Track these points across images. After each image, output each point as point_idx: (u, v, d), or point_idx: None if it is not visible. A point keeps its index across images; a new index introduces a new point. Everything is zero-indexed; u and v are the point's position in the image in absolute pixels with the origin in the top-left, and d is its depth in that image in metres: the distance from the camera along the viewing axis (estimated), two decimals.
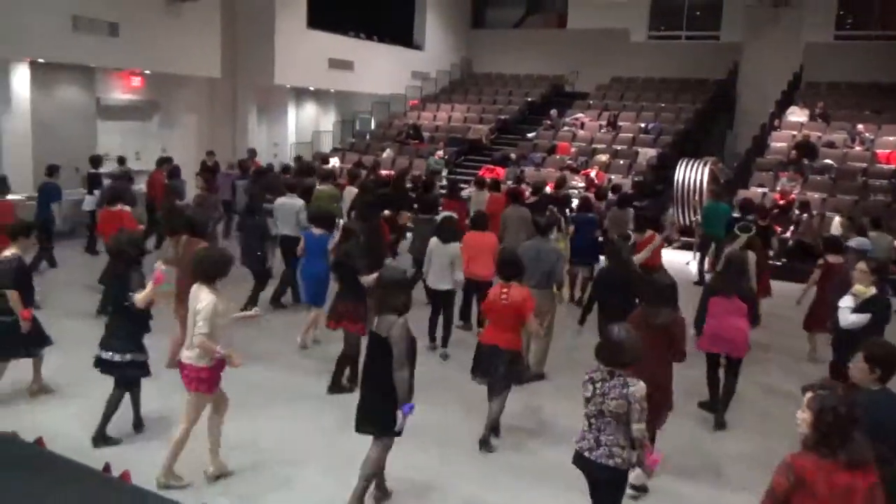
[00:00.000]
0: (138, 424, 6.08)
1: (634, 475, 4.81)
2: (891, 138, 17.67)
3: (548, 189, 14.34)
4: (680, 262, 13.44)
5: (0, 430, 5.43)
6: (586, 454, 4.17)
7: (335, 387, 7.10)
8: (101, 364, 5.80)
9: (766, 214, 11.50)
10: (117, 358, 5.70)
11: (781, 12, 20.98)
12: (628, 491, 4.83)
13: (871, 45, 21.33)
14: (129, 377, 5.84)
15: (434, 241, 8.16)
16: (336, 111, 24.27)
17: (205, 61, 17.44)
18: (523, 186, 13.69)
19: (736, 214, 11.96)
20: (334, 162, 18.28)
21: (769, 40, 21.28)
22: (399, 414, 4.65)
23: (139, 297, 5.61)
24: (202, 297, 5.01)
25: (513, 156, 18.98)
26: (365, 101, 23.94)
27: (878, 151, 17.12)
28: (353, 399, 5.01)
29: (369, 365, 4.83)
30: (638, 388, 4.06)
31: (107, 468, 5.07)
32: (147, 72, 16.88)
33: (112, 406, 5.81)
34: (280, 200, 9.94)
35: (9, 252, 6.41)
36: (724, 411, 6.83)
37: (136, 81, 17.38)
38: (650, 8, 24.16)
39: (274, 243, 9.97)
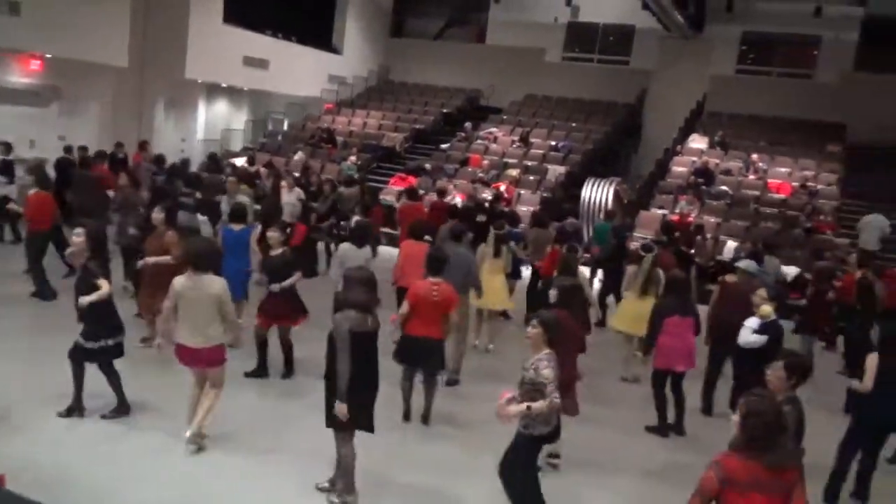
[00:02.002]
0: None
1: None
2: (782, 169, 18.72)
3: (458, 199, 14.51)
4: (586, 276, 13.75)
5: None
6: (557, 424, 4.88)
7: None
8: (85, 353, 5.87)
9: (691, 240, 11.97)
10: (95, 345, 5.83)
11: (690, 44, 21.97)
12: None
13: (770, 80, 22.58)
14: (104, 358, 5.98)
15: (347, 245, 8.14)
16: (248, 110, 23.79)
17: (112, 49, 16.79)
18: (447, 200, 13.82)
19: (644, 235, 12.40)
20: (242, 162, 17.88)
21: (676, 70, 22.26)
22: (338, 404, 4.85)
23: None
24: (213, 283, 5.40)
25: (427, 166, 19.06)
26: (279, 102, 23.58)
27: (770, 181, 18.10)
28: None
29: (372, 363, 5.02)
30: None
31: None
32: (48, 56, 16.10)
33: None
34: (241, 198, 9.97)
35: None
36: (682, 422, 7.23)
37: (36, 65, 16.53)
38: (566, 30, 24.81)
39: None
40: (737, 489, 3.24)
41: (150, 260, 7.46)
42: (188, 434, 5.54)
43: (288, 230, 8.35)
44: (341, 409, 4.80)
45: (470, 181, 17.78)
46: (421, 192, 15.11)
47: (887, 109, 19.87)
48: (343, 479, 5.05)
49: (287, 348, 7.48)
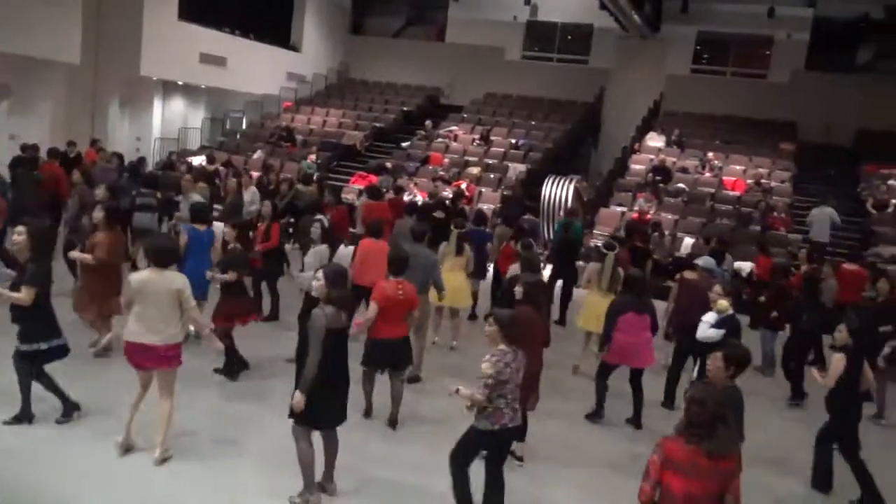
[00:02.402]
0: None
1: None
2: (737, 167, 19.09)
3: (419, 197, 14.53)
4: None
5: None
6: (510, 425, 4.77)
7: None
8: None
9: (647, 238, 12.10)
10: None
11: (646, 44, 22.27)
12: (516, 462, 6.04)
13: (724, 80, 23.03)
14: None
15: (325, 248, 8.12)
16: (206, 108, 23.48)
17: (63, 45, 16.43)
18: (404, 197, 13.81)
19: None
20: (201, 160, 17.62)
21: (634, 69, 22.56)
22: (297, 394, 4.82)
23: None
24: (175, 278, 5.35)
25: (389, 165, 19.02)
26: (237, 100, 23.31)
27: (725, 178, 18.45)
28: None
29: (342, 360, 5.01)
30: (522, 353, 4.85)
31: None
32: None
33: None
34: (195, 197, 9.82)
35: None
36: (640, 416, 7.33)
37: None
38: (525, 29, 24.96)
39: None
40: (676, 471, 3.40)
41: (74, 255, 7.37)
42: (156, 456, 5.41)
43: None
44: (298, 400, 4.77)
45: (431, 179, 17.79)
46: (383, 190, 15.07)
47: (836, 108, 20.41)
48: (304, 476, 5.02)
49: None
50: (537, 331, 5.97)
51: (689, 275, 8.87)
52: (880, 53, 22.17)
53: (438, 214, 12.12)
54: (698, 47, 23.31)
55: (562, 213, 15.72)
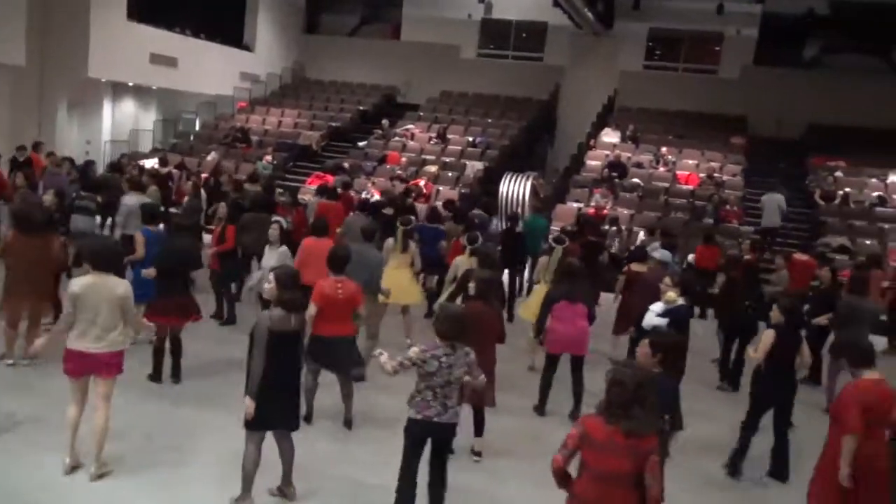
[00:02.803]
0: None
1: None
2: (690, 161, 19.41)
3: (375, 196, 14.47)
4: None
5: None
6: (436, 419, 4.72)
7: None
8: None
9: (599, 231, 12.21)
10: None
11: (600, 41, 22.50)
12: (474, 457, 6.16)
13: (676, 76, 23.37)
14: None
15: (285, 249, 8.09)
16: (158, 110, 23.05)
17: (7, 47, 16.02)
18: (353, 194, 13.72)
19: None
20: (153, 163, 17.30)
21: (588, 66, 22.78)
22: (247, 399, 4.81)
23: None
24: (118, 285, 5.18)
25: (346, 165, 18.90)
26: (190, 101, 22.94)
27: (678, 173, 18.74)
28: None
29: (290, 363, 4.96)
30: (472, 353, 4.83)
31: None
32: None
33: None
34: (132, 199, 9.47)
35: None
36: (580, 406, 7.30)
37: None
38: (480, 27, 25.02)
39: None
40: (593, 448, 3.54)
41: None
42: (93, 471, 5.23)
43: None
44: (248, 405, 4.74)
45: (388, 178, 17.74)
46: (340, 190, 14.98)
47: (785, 102, 20.87)
48: (243, 481, 4.93)
49: (176, 348, 7.25)
50: (489, 326, 5.98)
51: (636, 267, 9.03)
52: (827, 48, 22.73)
53: (387, 211, 12.10)
54: (650, 44, 23.63)
55: (520, 209, 15.87)
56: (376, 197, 14.41)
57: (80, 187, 10.98)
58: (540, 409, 7.45)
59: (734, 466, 6.41)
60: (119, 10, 18.83)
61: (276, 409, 4.84)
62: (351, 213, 11.15)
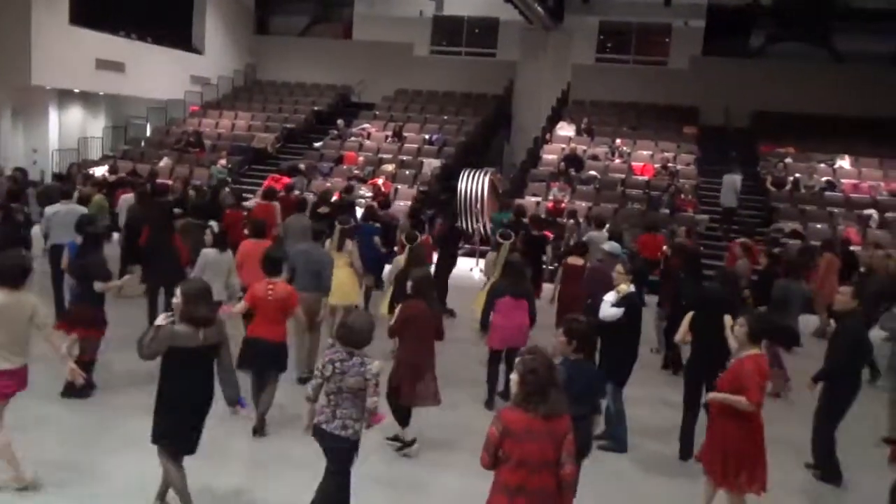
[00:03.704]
0: None
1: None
2: (644, 152, 19.65)
3: (334, 198, 14.34)
4: (464, 267, 13.91)
5: None
6: (323, 426, 4.58)
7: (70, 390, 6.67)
8: None
9: (540, 225, 12.25)
10: None
11: (551, 36, 22.62)
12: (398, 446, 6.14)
13: (627, 68, 23.66)
14: None
15: (209, 251, 7.89)
16: (106, 116, 22.56)
17: None
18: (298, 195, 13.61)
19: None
20: (103, 171, 16.94)
21: (540, 60, 22.83)
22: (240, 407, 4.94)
23: None
24: (28, 298, 5.02)
25: (302, 166, 18.71)
26: (139, 106, 22.46)
27: (633, 164, 18.96)
28: None
29: (198, 380, 4.71)
30: (374, 365, 4.58)
31: None
32: None
33: None
34: (55, 208, 9.21)
35: None
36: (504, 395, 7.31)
37: None
38: (432, 24, 24.98)
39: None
40: (514, 438, 3.59)
41: None
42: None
43: None
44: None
45: (346, 178, 17.60)
46: (296, 192, 14.84)
47: (733, 92, 21.28)
48: (181, 500, 4.81)
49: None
50: (427, 324, 6.14)
51: (572, 260, 9.18)
52: (771, 38, 23.24)
53: (322, 210, 12.03)
54: (601, 37, 23.90)
55: (478, 205, 15.90)
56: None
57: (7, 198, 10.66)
58: (489, 403, 7.50)
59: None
60: (61, 15, 18.37)
61: (179, 427, 4.70)
62: (288, 217, 10.97)
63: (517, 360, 3.78)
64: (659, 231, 12.52)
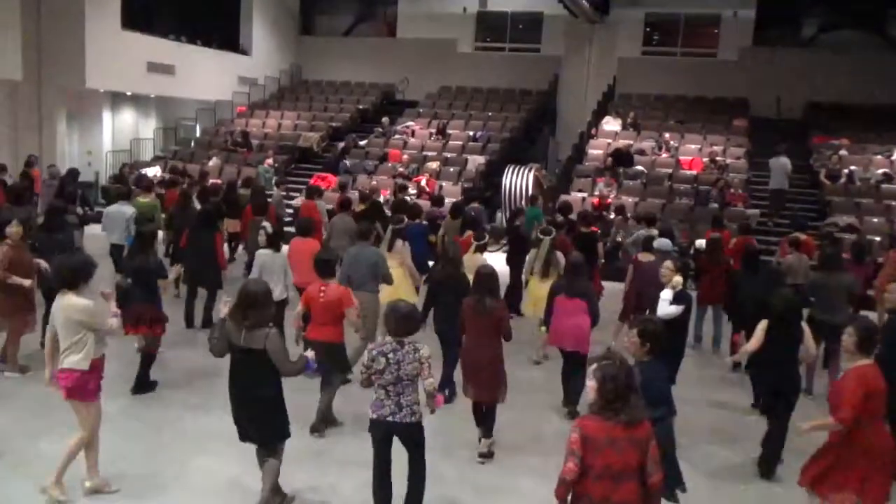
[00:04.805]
0: None
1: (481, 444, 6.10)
2: (692, 146, 19.30)
3: (382, 197, 14.44)
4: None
5: None
6: (389, 418, 4.70)
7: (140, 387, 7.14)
8: None
9: (590, 222, 12.07)
10: None
11: (596, 29, 22.39)
12: (477, 459, 6.08)
13: (674, 61, 23.24)
14: None
15: (264, 252, 8.00)
16: (157, 118, 23.07)
17: (3, 61, 15.98)
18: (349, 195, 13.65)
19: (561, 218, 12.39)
20: (155, 171, 17.31)
21: (585, 54, 22.67)
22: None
23: None
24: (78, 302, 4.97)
25: (347, 164, 18.90)
26: (189, 108, 22.91)
27: (681, 158, 18.63)
28: None
29: (241, 378, 4.84)
30: (425, 349, 4.73)
31: None
32: None
33: None
34: (111, 208, 9.82)
35: None
36: (576, 404, 7.04)
37: None
38: (476, 20, 24.92)
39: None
40: (595, 448, 3.51)
41: None
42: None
43: None
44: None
45: (391, 177, 17.69)
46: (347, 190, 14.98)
47: (785, 82, 20.75)
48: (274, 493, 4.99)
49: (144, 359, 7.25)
50: (476, 321, 6.06)
51: (643, 257, 9.01)
52: (824, 26, 22.59)
53: (356, 208, 11.98)
54: (647, 29, 23.50)
55: (523, 201, 15.82)
56: (382, 197, 14.38)
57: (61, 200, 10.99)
58: (570, 412, 7.14)
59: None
60: (114, 20, 18.81)
61: (245, 422, 4.90)
62: (335, 217, 11.05)
63: (594, 366, 3.66)
64: (724, 226, 12.17)
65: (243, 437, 4.97)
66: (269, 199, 12.31)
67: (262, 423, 4.88)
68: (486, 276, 6.24)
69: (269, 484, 4.97)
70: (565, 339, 7.13)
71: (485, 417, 6.19)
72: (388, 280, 7.95)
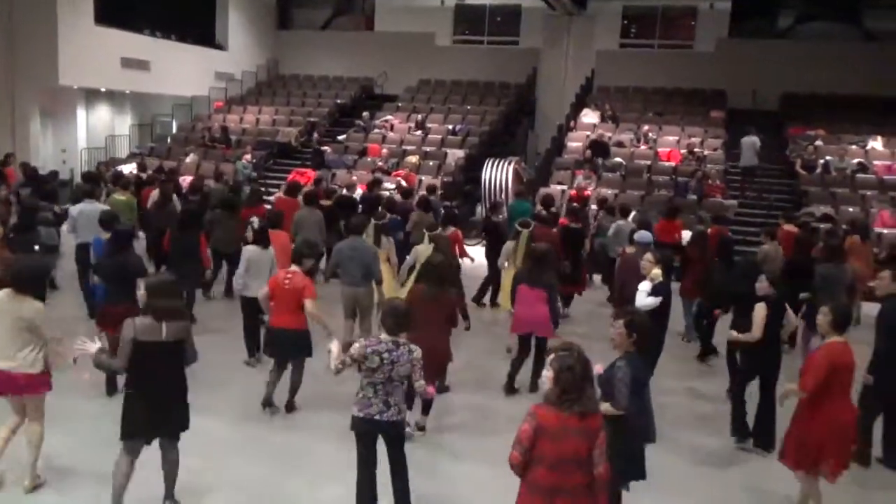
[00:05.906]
0: None
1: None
2: (671, 138, 19.40)
3: (359, 190, 14.37)
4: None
5: None
6: (377, 417, 4.68)
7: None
8: None
9: (578, 217, 12.06)
10: None
11: (574, 22, 22.40)
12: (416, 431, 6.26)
13: (652, 53, 23.35)
14: None
15: (252, 248, 7.93)
16: (133, 114, 22.80)
17: None
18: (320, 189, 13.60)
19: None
20: (131, 168, 17.09)
21: (564, 47, 22.65)
22: None
23: None
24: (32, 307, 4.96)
25: (327, 149, 18.89)
26: (165, 104, 22.67)
27: (659, 150, 18.72)
28: None
29: (161, 372, 4.66)
30: (418, 351, 4.75)
31: None
32: None
33: None
34: (79, 207, 9.44)
35: None
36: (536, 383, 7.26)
37: None
38: (454, 13, 24.86)
39: (54, 255, 9.28)
40: (548, 437, 3.51)
41: None
42: (27, 484, 5.15)
43: None
44: None
45: (370, 171, 17.62)
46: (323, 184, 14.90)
47: (761, 74, 20.89)
48: (112, 492, 4.79)
49: None
50: (427, 310, 5.99)
51: (630, 249, 9.04)
52: (800, 17, 22.76)
53: (324, 203, 11.90)
54: (625, 22, 23.61)
55: (503, 195, 15.81)
56: (359, 191, 14.32)
57: (39, 197, 10.78)
58: (507, 388, 7.54)
59: (738, 432, 6.54)
60: (86, 16, 18.55)
61: (138, 418, 4.68)
62: (297, 211, 10.84)
63: (550, 357, 3.67)
64: (677, 217, 12.27)
65: (152, 435, 4.78)
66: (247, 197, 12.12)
67: (179, 415, 4.81)
68: (436, 265, 6.47)
69: (175, 480, 4.92)
70: (523, 326, 7.34)
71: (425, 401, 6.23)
72: (377, 279, 8.01)
